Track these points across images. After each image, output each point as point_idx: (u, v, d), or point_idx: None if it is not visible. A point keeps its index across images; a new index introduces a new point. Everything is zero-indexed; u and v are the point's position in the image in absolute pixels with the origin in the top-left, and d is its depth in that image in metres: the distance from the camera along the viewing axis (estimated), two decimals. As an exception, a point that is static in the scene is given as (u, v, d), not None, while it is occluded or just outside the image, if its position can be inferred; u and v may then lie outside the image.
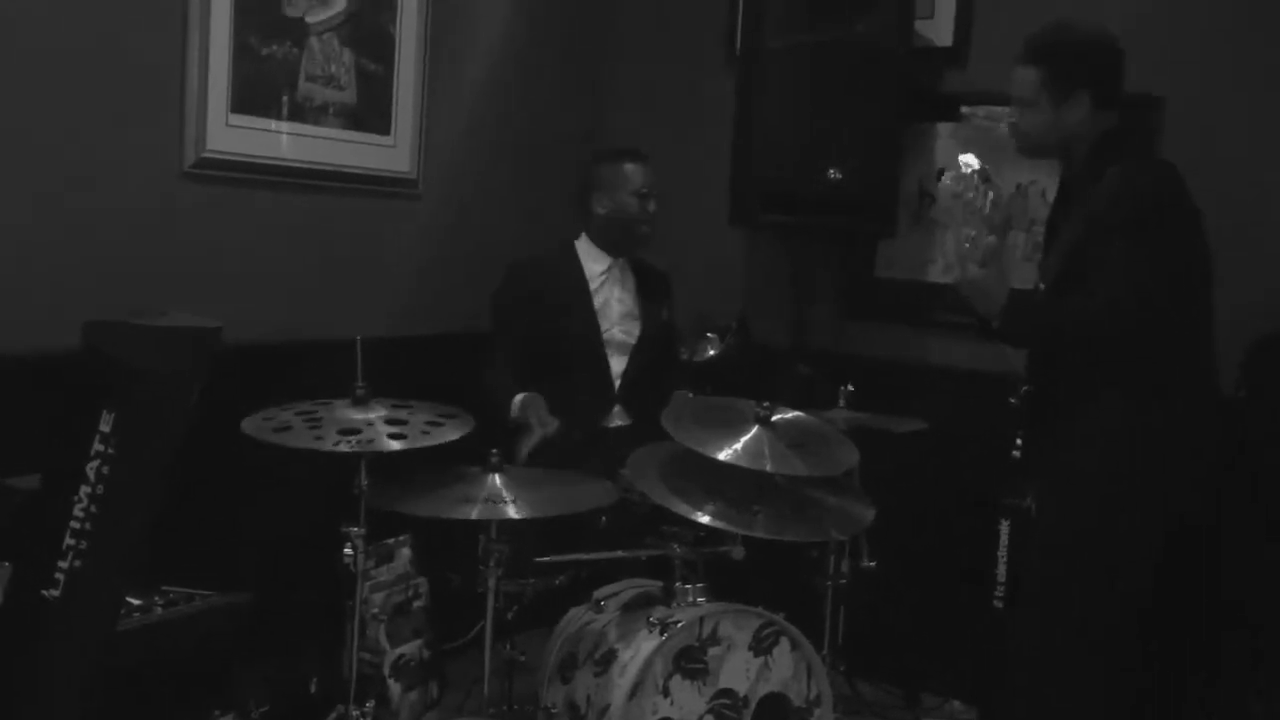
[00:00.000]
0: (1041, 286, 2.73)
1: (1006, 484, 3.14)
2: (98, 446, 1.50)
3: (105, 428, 1.49)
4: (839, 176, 3.52)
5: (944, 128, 3.82)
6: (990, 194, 3.72)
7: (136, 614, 1.97)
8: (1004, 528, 3.14)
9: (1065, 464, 2.69)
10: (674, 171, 3.76)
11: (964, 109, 3.79)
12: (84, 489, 1.51)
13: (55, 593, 1.52)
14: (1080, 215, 2.63)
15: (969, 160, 3.71)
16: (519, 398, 3.21)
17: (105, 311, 1.51)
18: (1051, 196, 3.07)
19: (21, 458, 1.90)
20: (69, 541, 1.52)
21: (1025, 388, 2.77)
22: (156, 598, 2.06)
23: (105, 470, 1.51)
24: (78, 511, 1.51)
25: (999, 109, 3.70)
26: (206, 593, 2.12)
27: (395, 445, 2.54)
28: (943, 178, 3.80)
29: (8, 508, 2.06)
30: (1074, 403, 2.66)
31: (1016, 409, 2.78)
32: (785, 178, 3.58)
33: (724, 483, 2.70)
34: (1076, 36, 2.71)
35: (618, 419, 3.39)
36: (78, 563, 1.53)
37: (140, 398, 1.50)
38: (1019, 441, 2.91)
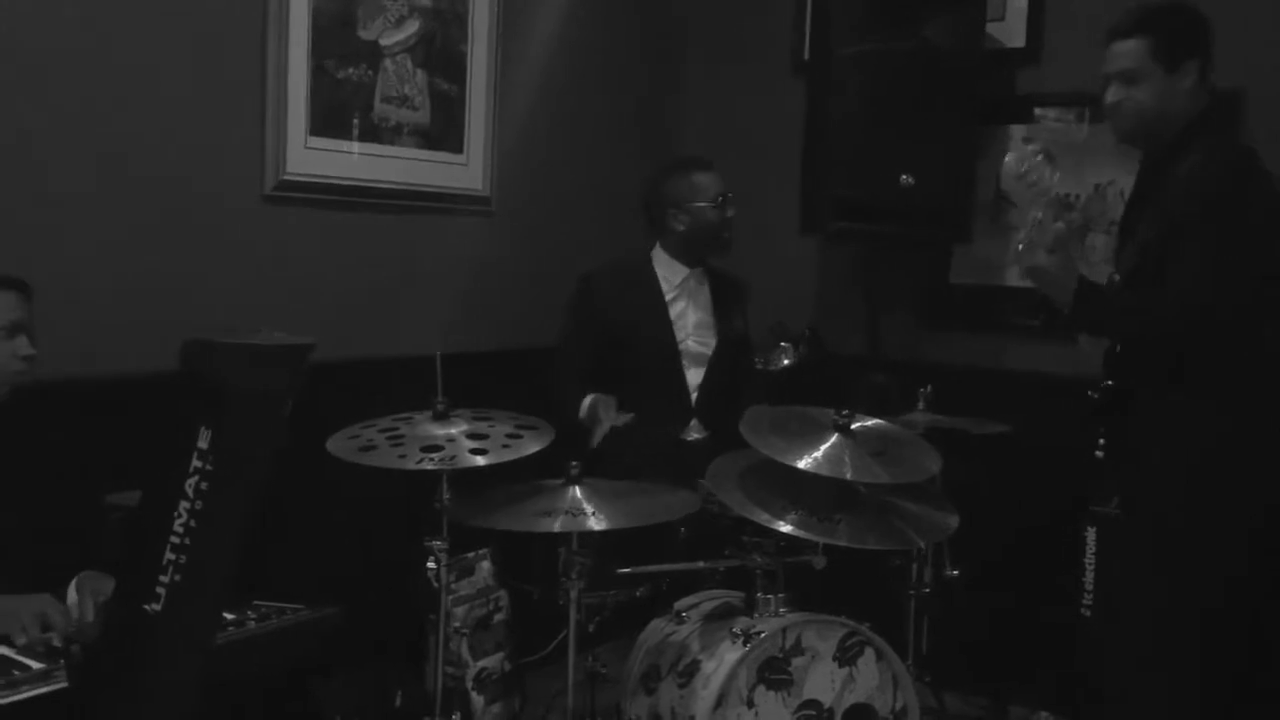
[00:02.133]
0: (1117, 277, 2.68)
1: (1092, 490, 3.09)
2: (196, 463, 1.52)
3: (203, 444, 1.52)
4: (911, 182, 3.49)
5: (1018, 130, 3.78)
6: (1056, 174, 3.65)
7: (231, 628, 2.00)
8: (1090, 534, 3.09)
9: (1148, 462, 2.63)
10: (744, 181, 3.75)
11: (1038, 110, 3.75)
12: (183, 504, 1.53)
13: (157, 606, 1.54)
14: (1159, 205, 2.58)
15: (1029, 143, 3.66)
16: (588, 399, 3.22)
17: (195, 333, 1.54)
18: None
19: (122, 475, 1.96)
20: (169, 556, 1.54)
21: (1104, 383, 2.70)
22: (249, 612, 2.09)
23: (203, 486, 1.53)
24: (177, 527, 1.54)
25: (1075, 109, 3.68)
26: (296, 607, 2.15)
27: (479, 460, 2.55)
28: (1005, 160, 3.74)
29: (110, 524, 2.12)
30: (1153, 398, 2.60)
31: (1095, 403, 2.70)
32: (857, 185, 3.56)
33: (804, 492, 2.68)
34: (1181, 6, 2.64)
35: (695, 432, 3.38)
36: (178, 577, 1.55)
37: (236, 414, 1.53)
38: (1101, 440, 2.84)
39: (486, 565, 3.51)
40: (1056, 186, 3.66)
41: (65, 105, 2.74)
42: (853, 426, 2.74)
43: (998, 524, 3.44)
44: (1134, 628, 2.63)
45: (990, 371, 3.77)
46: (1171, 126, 2.61)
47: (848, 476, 2.62)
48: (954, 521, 2.74)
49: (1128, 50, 2.61)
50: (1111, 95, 2.66)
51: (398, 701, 3.21)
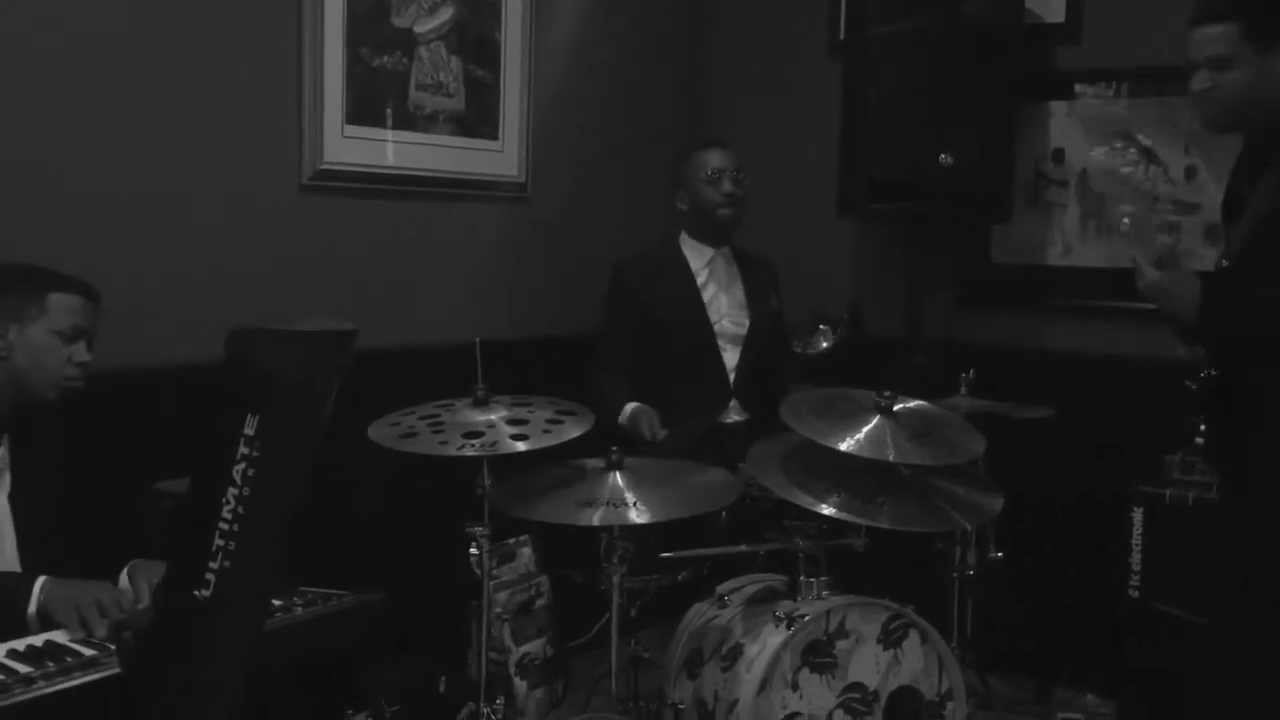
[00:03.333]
0: (1225, 263, 2.56)
1: (1142, 471, 3.05)
2: (243, 449, 1.53)
3: (249, 431, 1.52)
4: (950, 161, 3.46)
5: (1058, 106, 3.73)
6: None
7: (278, 614, 2.01)
8: (1137, 515, 3.05)
9: (1257, 454, 2.48)
10: (780, 163, 3.74)
11: (1078, 86, 3.69)
12: (231, 491, 1.54)
13: (207, 593, 1.55)
14: (1269, 188, 2.45)
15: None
16: (630, 408, 3.23)
17: (236, 322, 1.55)
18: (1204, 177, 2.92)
19: (170, 463, 1.98)
20: (218, 542, 1.55)
21: (1206, 371, 2.54)
22: (295, 598, 2.10)
23: (251, 473, 1.53)
24: (225, 513, 1.54)
25: (1115, 85, 3.63)
26: (341, 593, 2.15)
27: (519, 446, 2.55)
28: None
29: (160, 511, 2.14)
30: (1263, 389, 2.44)
31: (1198, 393, 2.56)
32: (895, 165, 3.53)
33: (846, 475, 2.66)
34: None
35: (734, 414, 3.37)
36: (227, 563, 1.56)
37: (282, 400, 1.53)
38: (1202, 428, 2.76)
39: (527, 551, 3.52)
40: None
41: (107, 98, 2.76)
42: (895, 408, 2.72)
43: (1042, 505, 3.41)
44: (1246, 623, 2.49)
45: (1033, 352, 3.73)
46: (1266, 110, 2.47)
47: (890, 459, 2.60)
48: (998, 503, 2.71)
49: (1217, 35, 2.45)
50: (1199, 82, 2.51)
51: (441, 687, 3.22)
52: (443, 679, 3.24)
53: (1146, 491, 3.04)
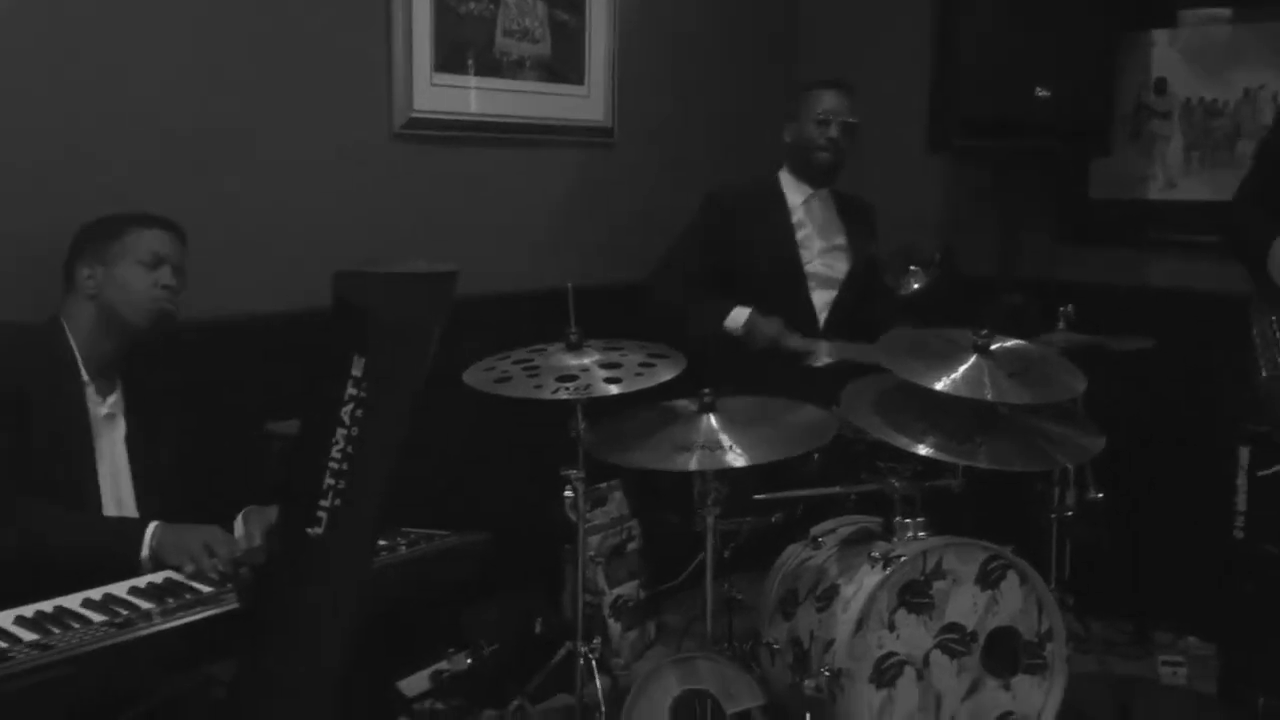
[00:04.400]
0: None
1: (1247, 408, 2.97)
2: (350, 390, 1.56)
3: (357, 372, 1.56)
4: (1047, 95, 3.36)
5: (1160, 35, 3.60)
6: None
7: (384, 553, 2.06)
8: (1243, 453, 2.97)
9: None
10: (870, 100, 3.66)
11: (1181, 13, 3.56)
12: (340, 431, 1.58)
13: (319, 530, 1.60)
14: None
15: None
16: (742, 313, 3.23)
17: (337, 269, 1.57)
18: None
19: (281, 406, 2.02)
20: (329, 481, 1.59)
21: None
22: (399, 538, 2.14)
23: (359, 413, 1.57)
24: (335, 453, 1.59)
25: (1221, 10, 3.49)
26: (444, 533, 2.19)
27: (613, 389, 2.56)
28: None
29: (272, 452, 2.20)
30: None
31: None
32: (988, 100, 3.45)
33: (942, 415, 2.63)
34: None
35: (824, 355, 3.34)
36: (337, 501, 1.60)
37: (388, 341, 1.56)
38: None
39: (619, 495, 3.56)
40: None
41: (214, 59, 2.80)
42: (992, 347, 2.68)
43: (1143, 444, 3.34)
44: None
45: (1133, 289, 3.64)
46: None
47: (988, 397, 2.56)
48: (1100, 442, 2.66)
49: None
50: None
51: (537, 628, 3.28)
52: (539, 620, 3.30)
53: (1254, 429, 2.96)
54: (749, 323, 3.23)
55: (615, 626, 3.45)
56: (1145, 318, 3.38)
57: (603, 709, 2.69)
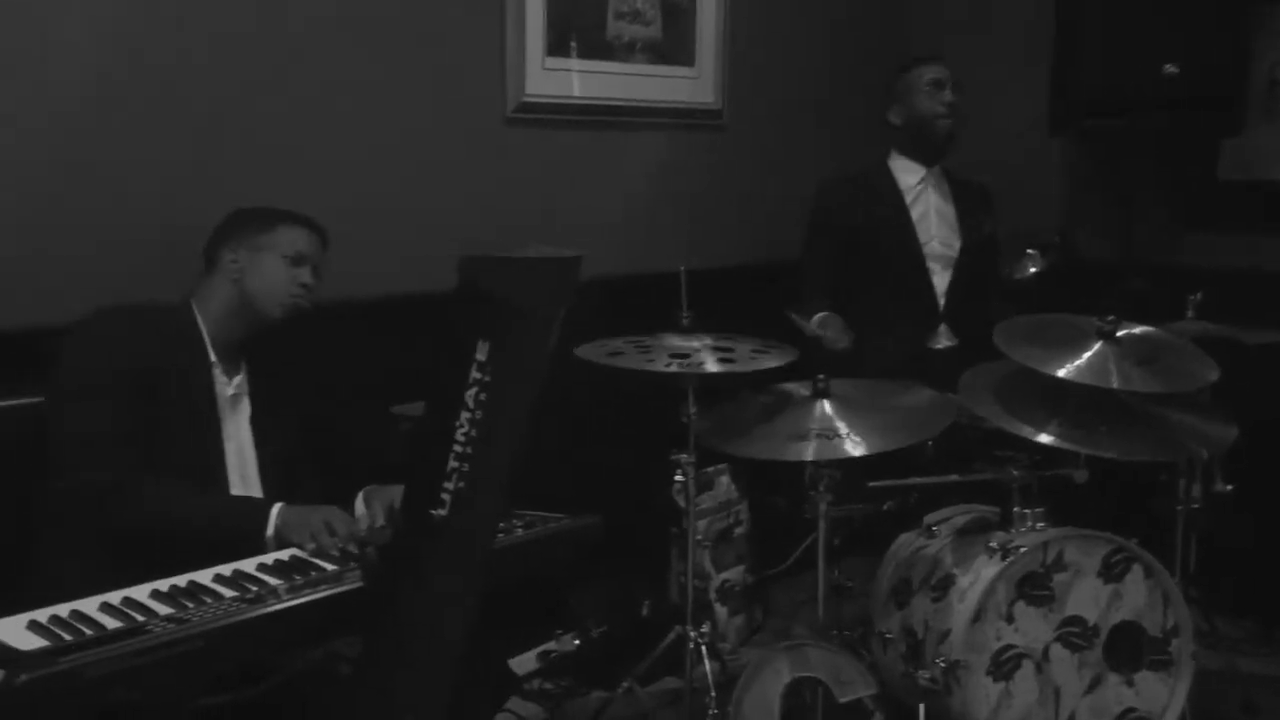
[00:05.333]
0: None
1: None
2: (475, 374, 1.57)
3: (481, 356, 1.57)
4: (1175, 71, 3.24)
5: (1298, 7, 3.45)
6: None
7: (501, 535, 2.07)
8: (1383, 448, 2.84)
9: None
10: (986, 83, 3.58)
11: (1321, -17, 3.41)
12: (464, 414, 1.59)
13: (443, 512, 1.62)
14: None
15: None
16: (818, 315, 3.19)
17: (456, 254, 1.58)
18: None
19: (406, 388, 2.05)
20: (453, 464, 1.61)
21: None
22: (514, 520, 2.16)
23: (483, 397, 1.58)
24: (459, 436, 1.60)
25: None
26: (558, 516, 2.20)
27: (721, 368, 2.53)
28: None
29: (397, 434, 2.23)
30: None
31: None
32: (1113, 79, 3.34)
33: (1063, 403, 2.56)
34: None
35: (944, 339, 3.29)
36: (461, 484, 1.62)
37: (512, 326, 1.57)
38: None
39: (726, 479, 3.54)
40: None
41: (333, 45, 2.85)
42: (1118, 334, 2.59)
43: (1275, 435, 3.20)
44: None
45: (1267, 275, 3.49)
46: None
47: (1114, 385, 2.49)
48: (1232, 432, 2.57)
49: None
50: None
51: (644, 611, 3.29)
52: (646, 603, 3.31)
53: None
54: (820, 323, 3.20)
55: (722, 611, 3.44)
56: (1273, 306, 3.25)
57: (713, 693, 2.68)
